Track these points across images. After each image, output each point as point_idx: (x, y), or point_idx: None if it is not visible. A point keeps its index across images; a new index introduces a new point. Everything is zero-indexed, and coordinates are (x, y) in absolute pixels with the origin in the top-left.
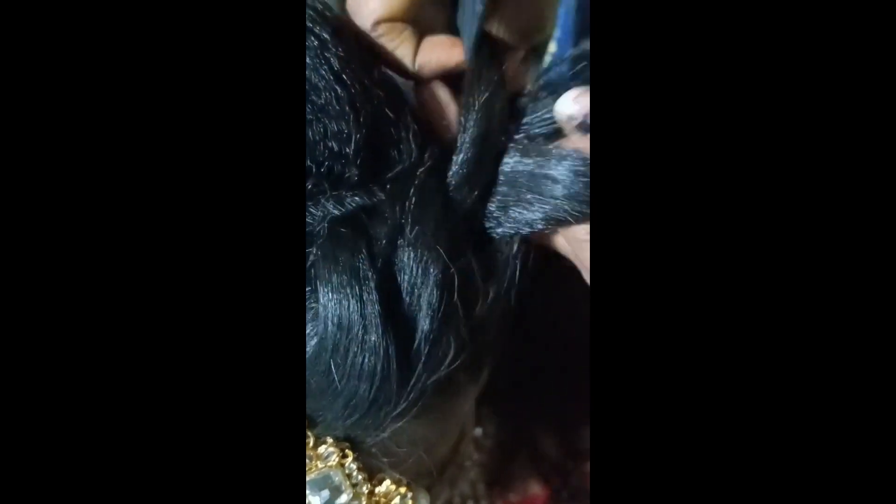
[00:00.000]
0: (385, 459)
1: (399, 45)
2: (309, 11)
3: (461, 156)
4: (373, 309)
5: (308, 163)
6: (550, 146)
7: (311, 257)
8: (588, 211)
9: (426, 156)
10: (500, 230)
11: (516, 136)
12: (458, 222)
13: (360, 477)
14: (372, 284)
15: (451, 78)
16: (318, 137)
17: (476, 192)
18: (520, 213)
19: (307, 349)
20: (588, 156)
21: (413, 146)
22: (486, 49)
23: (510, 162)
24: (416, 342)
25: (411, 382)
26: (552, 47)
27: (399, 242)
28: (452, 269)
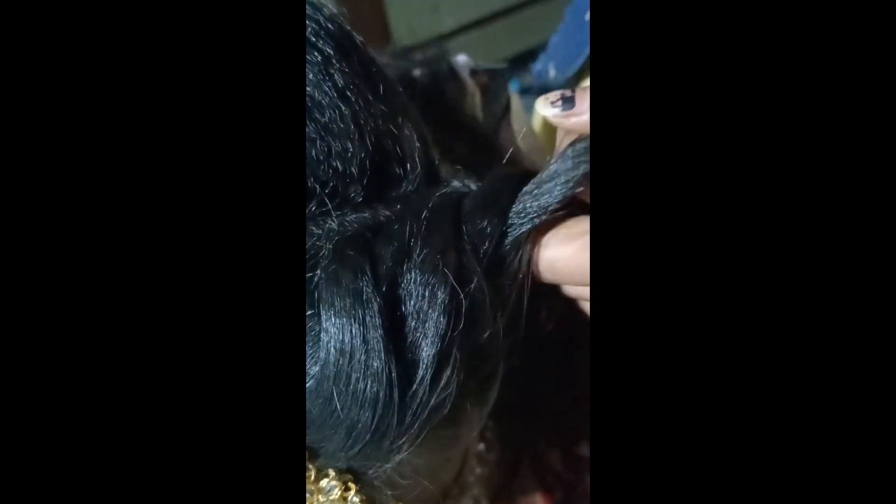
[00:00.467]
0: (389, 492)
1: None
2: (312, 25)
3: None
4: (376, 334)
5: (311, 182)
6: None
7: (315, 280)
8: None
9: (439, 176)
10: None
11: None
12: (468, 246)
13: None
14: (375, 308)
15: None
16: (321, 157)
17: (488, 221)
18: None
19: (308, 377)
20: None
21: (419, 164)
22: None
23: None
24: (421, 369)
25: (415, 410)
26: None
27: (405, 265)
28: (461, 295)
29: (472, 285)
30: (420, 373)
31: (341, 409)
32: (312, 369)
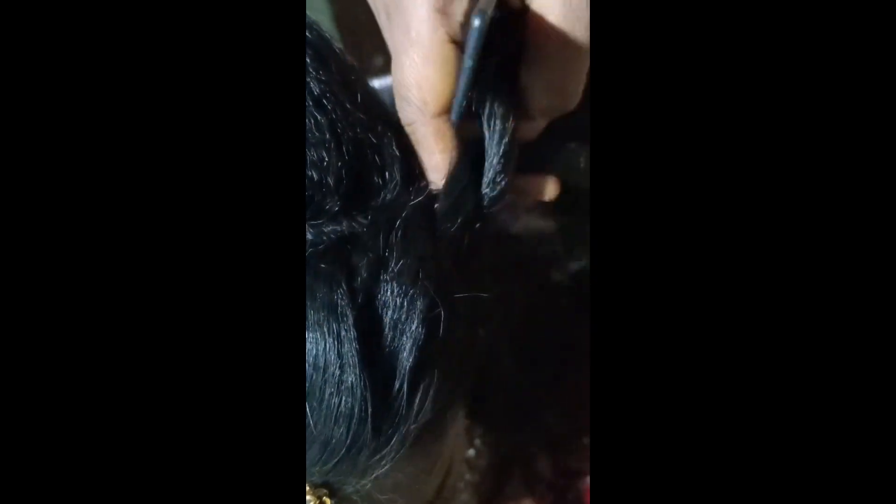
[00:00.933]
0: None
1: None
2: None
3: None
4: (350, 347)
5: None
6: None
7: None
8: None
9: (414, 188)
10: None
11: None
12: (446, 255)
13: None
14: (350, 321)
15: None
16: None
17: (461, 219)
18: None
19: None
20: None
21: (397, 174)
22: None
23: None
24: (398, 382)
25: (392, 425)
26: None
27: (382, 276)
28: (440, 306)
29: (451, 293)
30: (396, 386)
31: (314, 425)
32: None
